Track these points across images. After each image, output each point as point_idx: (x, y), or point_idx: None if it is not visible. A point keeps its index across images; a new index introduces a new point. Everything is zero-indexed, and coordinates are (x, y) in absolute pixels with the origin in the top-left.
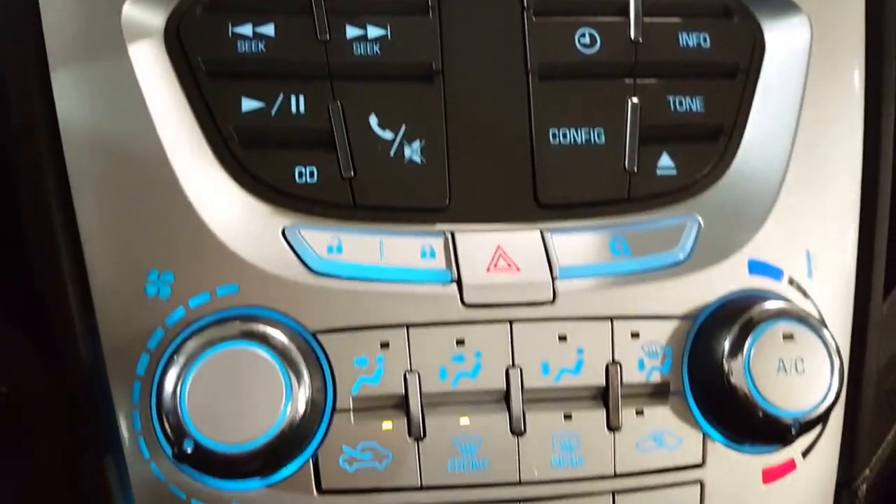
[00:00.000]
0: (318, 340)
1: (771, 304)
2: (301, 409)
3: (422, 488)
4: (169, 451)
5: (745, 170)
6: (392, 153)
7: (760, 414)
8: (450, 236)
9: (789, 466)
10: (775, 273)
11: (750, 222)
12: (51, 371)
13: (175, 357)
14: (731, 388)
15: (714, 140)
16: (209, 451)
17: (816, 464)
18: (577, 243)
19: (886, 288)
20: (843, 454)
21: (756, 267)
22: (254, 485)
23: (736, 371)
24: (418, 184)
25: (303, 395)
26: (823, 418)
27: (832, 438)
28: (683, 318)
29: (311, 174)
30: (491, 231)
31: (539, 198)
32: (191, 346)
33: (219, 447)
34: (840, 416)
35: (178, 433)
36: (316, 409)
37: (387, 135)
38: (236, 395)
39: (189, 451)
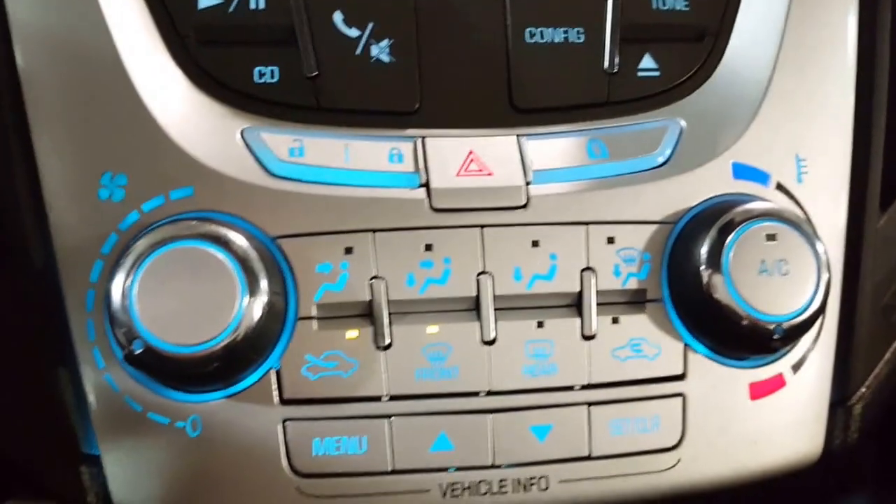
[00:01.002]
0: (278, 246)
1: (753, 205)
2: (257, 313)
3: (389, 398)
4: (121, 355)
5: (730, 72)
6: (358, 52)
7: (741, 319)
8: (419, 141)
9: (778, 382)
10: (761, 177)
11: (735, 126)
12: (2, 279)
13: (125, 255)
14: (710, 293)
15: (699, 41)
16: (159, 352)
17: (808, 380)
18: (553, 147)
19: (886, 200)
20: (836, 371)
21: (741, 170)
22: (214, 396)
23: (715, 274)
24: (386, 85)
25: (258, 299)
26: (809, 324)
27: (825, 354)
28: (662, 223)
29: (272, 74)
30: (464, 136)
31: (515, 101)
32: (141, 244)
33: (169, 348)
34: (833, 331)
35: (128, 334)
36: (276, 316)
37: (353, 32)
38: (188, 296)
39: (138, 352)
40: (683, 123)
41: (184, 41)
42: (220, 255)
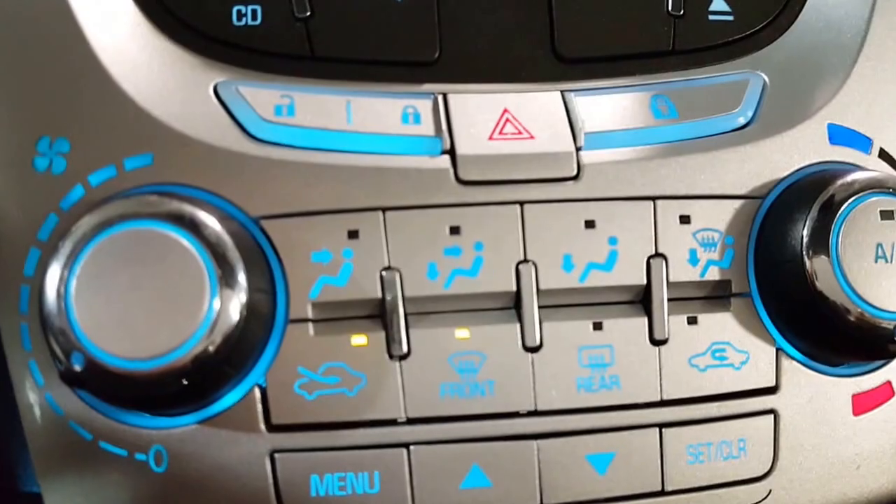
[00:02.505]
0: (261, 228)
1: (862, 175)
2: (233, 315)
3: (407, 421)
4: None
5: (819, 15)
6: None
7: (853, 317)
8: (440, 97)
9: (886, 392)
10: (862, 142)
11: (828, 80)
12: None
13: (62, 241)
14: (814, 286)
15: None
16: (105, 368)
17: None
18: (609, 105)
19: None
20: None
21: (838, 134)
22: (182, 421)
23: (819, 263)
24: (398, 29)
25: (235, 297)
26: None
27: None
28: (747, 197)
29: (254, 14)
30: (496, 92)
31: (558, 50)
32: (83, 226)
33: (118, 363)
34: None
35: (65, 344)
36: (259, 319)
37: None
38: (144, 294)
39: (79, 368)
40: (766, 77)
41: None
42: (184, 240)
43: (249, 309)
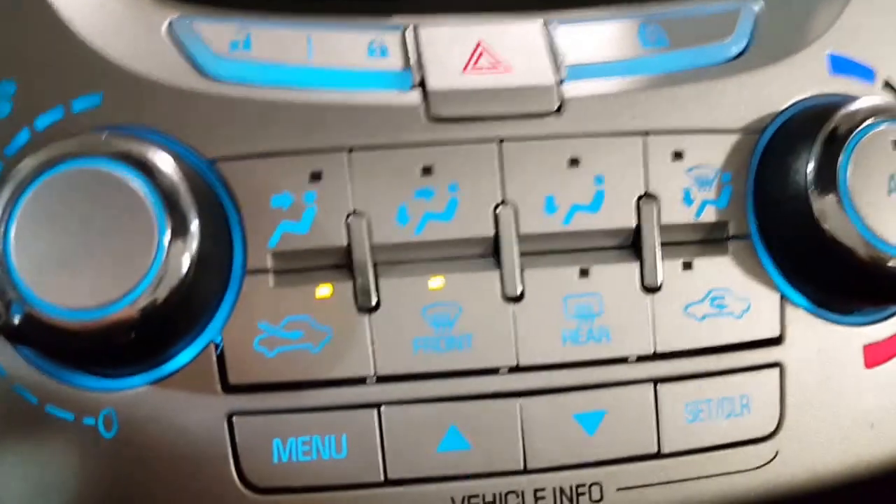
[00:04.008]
0: (216, 171)
1: (865, 103)
2: (184, 263)
3: (377, 380)
4: None
5: None
6: None
7: (866, 256)
8: (410, 28)
9: None
10: (865, 72)
11: (827, 6)
12: None
13: (1, 184)
14: (822, 225)
15: None
16: (46, 319)
17: None
18: (594, 34)
19: None
20: None
21: (839, 64)
22: (133, 382)
23: (827, 199)
24: None
25: (187, 243)
26: None
27: None
28: (745, 131)
29: None
30: (469, 25)
31: None
32: (23, 167)
33: (61, 314)
34: None
35: (3, 295)
36: (214, 268)
37: None
38: (87, 239)
39: (18, 319)
40: (760, 4)
41: None
42: (132, 181)
43: (201, 258)
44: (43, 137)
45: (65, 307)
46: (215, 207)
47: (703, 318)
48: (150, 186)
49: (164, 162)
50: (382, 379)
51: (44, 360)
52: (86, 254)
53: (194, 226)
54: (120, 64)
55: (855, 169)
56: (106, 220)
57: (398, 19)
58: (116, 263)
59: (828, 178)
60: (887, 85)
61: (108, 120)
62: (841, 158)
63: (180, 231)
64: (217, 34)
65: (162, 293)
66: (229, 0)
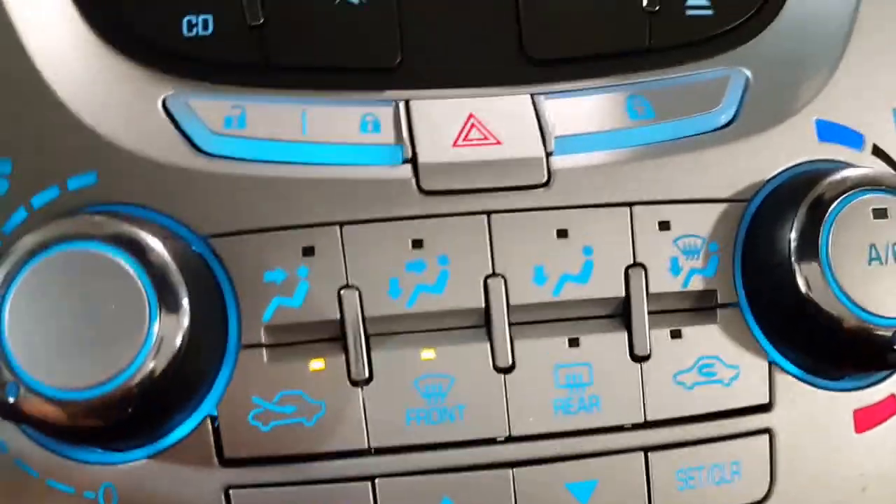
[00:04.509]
0: (211, 247)
1: (851, 172)
2: (175, 341)
3: (371, 452)
4: None
5: (802, 7)
6: None
7: (847, 324)
8: (402, 104)
9: (890, 407)
10: (853, 138)
11: (814, 74)
12: None
13: None
14: (804, 291)
15: None
16: (42, 398)
17: None
18: (582, 107)
19: None
20: None
21: (827, 130)
22: (132, 456)
23: (809, 267)
24: (356, 34)
25: (178, 322)
26: None
27: None
28: (732, 200)
29: (205, 24)
30: (460, 97)
31: (527, 50)
32: (17, 250)
33: (55, 393)
34: None
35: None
36: (208, 344)
37: None
38: (81, 320)
39: (13, 399)
40: (748, 73)
41: None
42: (123, 262)
43: (194, 334)
44: (39, 215)
45: (60, 387)
46: (209, 283)
47: (693, 385)
48: (141, 267)
49: (154, 242)
50: (376, 451)
51: (40, 435)
52: (80, 333)
53: (185, 303)
54: (114, 142)
55: (836, 238)
56: (99, 300)
57: (390, 93)
58: (110, 342)
59: (810, 247)
60: (876, 150)
61: (104, 198)
62: (823, 228)
63: (172, 309)
64: (212, 111)
65: (156, 369)
66: (224, 76)
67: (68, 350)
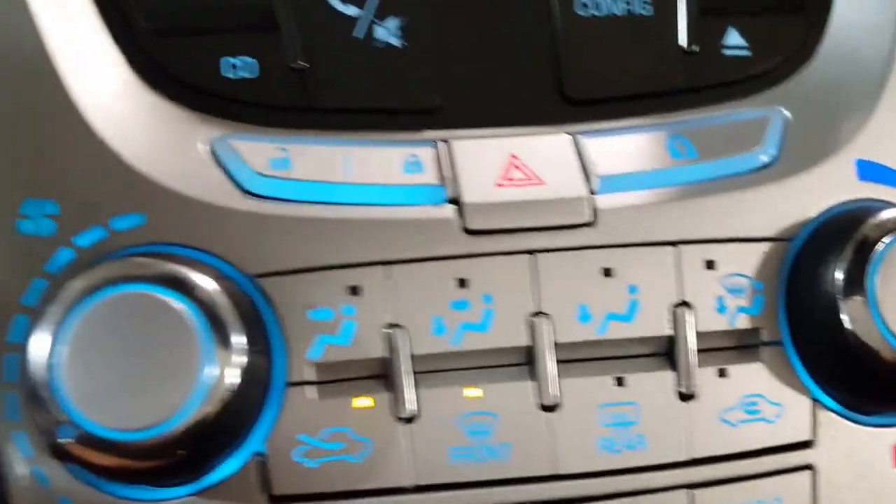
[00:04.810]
0: (258, 287)
1: (893, 212)
2: (229, 381)
3: (415, 489)
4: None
5: (840, 46)
6: (358, 35)
7: (893, 363)
8: (443, 144)
9: None
10: (894, 178)
11: (854, 114)
12: None
13: (47, 308)
14: (851, 332)
15: (798, 11)
16: (97, 440)
17: None
18: (623, 146)
19: None
20: None
21: (868, 170)
22: (177, 493)
23: (855, 307)
24: (397, 77)
25: (232, 360)
26: None
27: None
28: (775, 239)
29: (247, 67)
30: (501, 137)
31: (566, 91)
32: (69, 291)
33: (111, 435)
34: None
35: (52, 417)
36: (257, 383)
37: (350, 10)
38: (134, 361)
39: (68, 441)
40: (787, 113)
41: (132, 28)
42: (176, 303)
43: (246, 373)
44: (86, 255)
45: (113, 429)
46: (258, 323)
47: (738, 423)
48: (193, 307)
49: (205, 281)
50: (421, 489)
51: (86, 474)
52: (133, 374)
53: (238, 343)
54: (160, 182)
55: (883, 278)
56: (151, 341)
57: (431, 133)
58: (164, 383)
59: (856, 287)
60: None
61: (150, 238)
62: (869, 268)
63: (225, 348)
64: (257, 152)
65: (210, 410)
66: (267, 117)
67: (121, 392)
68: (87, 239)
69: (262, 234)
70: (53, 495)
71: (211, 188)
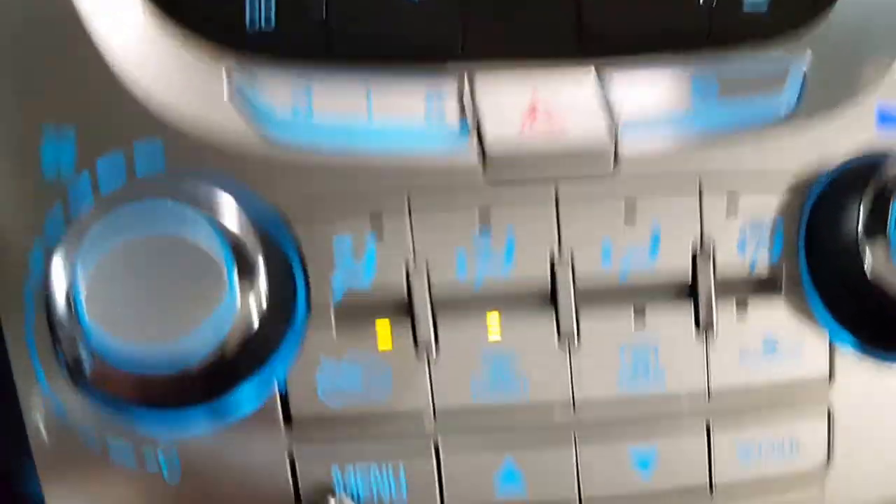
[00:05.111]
0: (281, 218)
1: None
2: (252, 311)
3: (434, 417)
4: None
5: None
6: None
7: None
8: (467, 88)
9: None
10: None
11: (876, 61)
12: None
13: (69, 239)
14: (872, 271)
15: None
16: (117, 366)
17: None
18: (647, 90)
19: None
20: None
21: (888, 117)
22: (195, 426)
23: (876, 249)
24: (418, 17)
25: (255, 292)
26: None
27: None
28: (796, 184)
29: (267, 14)
30: (524, 79)
31: (586, 27)
32: (90, 222)
33: (130, 363)
34: None
35: (73, 342)
36: (278, 314)
37: None
38: (156, 289)
39: (89, 368)
40: (809, 59)
41: None
42: (201, 231)
43: (268, 305)
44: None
45: (134, 358)
46: (280, 257)
47: (756, 361)
48: (218, 231)
49: (230, 205)
50: (440, 417)
51: (108, 405)
52: (155, 302)
53: (261, 274)
54: (181, 124)
55: None
56: (175, 269)
57: (454, 74)
58: (187, 311)
59: (877, 229)
60: None
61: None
62: (891, 209)
63: (249, 279)
64: (278, 95)
65: (231, 339)
66: (288, 61)
67: (144, 320)
68: (107, 166)
69: (284, 174)
70: (72, 427)
71: (233, 130)
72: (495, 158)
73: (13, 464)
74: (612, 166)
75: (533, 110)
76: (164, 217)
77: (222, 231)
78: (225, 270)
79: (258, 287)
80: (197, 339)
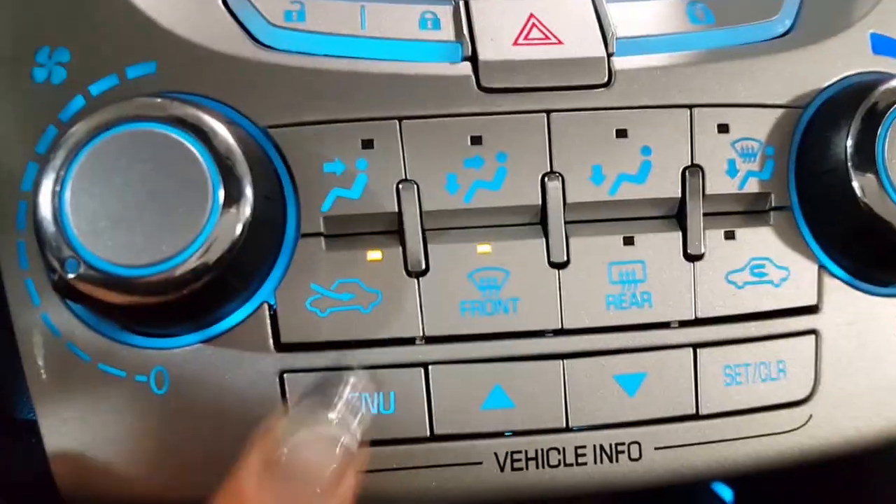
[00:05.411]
0: (270, 138)
1: None
2: (237, 226)
3: (425, 340)
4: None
5: None
6: None
7: None
8: (462, 1)
9: None
10: None
11: None
12: None
13: (56, 146)
14: (858, 196)
15: None
16: (101, 276)
17: None
18: (642, 9)
19: None
20: None
21: (881, 43)
22: (185, 340)
23: (865, 173)
24: None
25: (241, 205)
26: None
27: None
28: (788, 107)
29: None
30: None
31: None
32: (79, 129)
33: (115, 270)
34: None
35: (58, 251)
36: (267, 232)
37: None
38: (143, 199)
39: (72, 276)
40: None
41: None
42: (187, 143)
43: (254, 221)
44: (98, 103)
45: (118, 264)
46: (269, 173)
47: (743, 285)
48: (206, 149)
49: (219, 126)
50: (430, 339)
51: (97, 319)
52: (140, 213)
53: (248, 190)
54: (174, 31)
55: (892, 144)
56: (161, 181)
57: None
58: (171, 224)
59: (866, 153)
60: None
61: (162, 87)
62: (879, 133)
63: (234, 194)
64: (271, 4)
65: (214, 254)
66: None
67: (129, 229)
68: (100, 87)
69: (276, 86)
70: (61, 342)
71: (224, 38)
72: (488, 63)
73: (9, 388)
74: (604, 77)
75: (528, 25)
76: (151, 134)
77: (211, 149)
78: (212, 188)
79: (245, 207)
80: (181, 255)
